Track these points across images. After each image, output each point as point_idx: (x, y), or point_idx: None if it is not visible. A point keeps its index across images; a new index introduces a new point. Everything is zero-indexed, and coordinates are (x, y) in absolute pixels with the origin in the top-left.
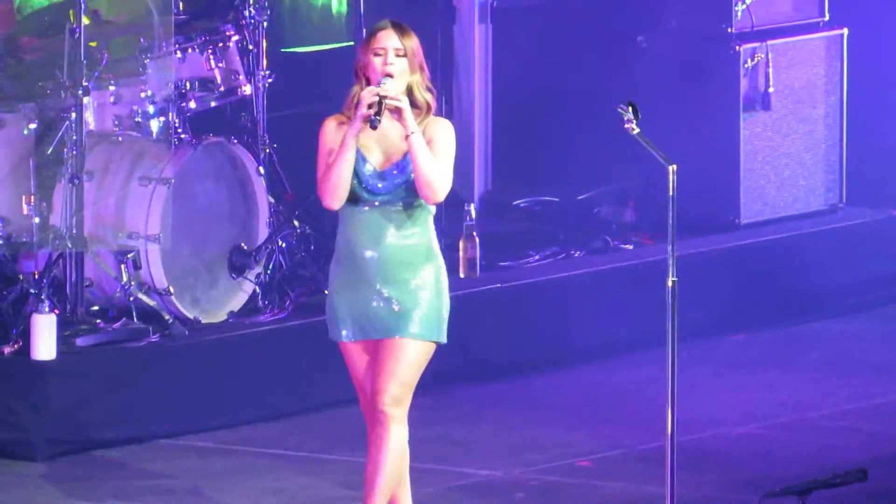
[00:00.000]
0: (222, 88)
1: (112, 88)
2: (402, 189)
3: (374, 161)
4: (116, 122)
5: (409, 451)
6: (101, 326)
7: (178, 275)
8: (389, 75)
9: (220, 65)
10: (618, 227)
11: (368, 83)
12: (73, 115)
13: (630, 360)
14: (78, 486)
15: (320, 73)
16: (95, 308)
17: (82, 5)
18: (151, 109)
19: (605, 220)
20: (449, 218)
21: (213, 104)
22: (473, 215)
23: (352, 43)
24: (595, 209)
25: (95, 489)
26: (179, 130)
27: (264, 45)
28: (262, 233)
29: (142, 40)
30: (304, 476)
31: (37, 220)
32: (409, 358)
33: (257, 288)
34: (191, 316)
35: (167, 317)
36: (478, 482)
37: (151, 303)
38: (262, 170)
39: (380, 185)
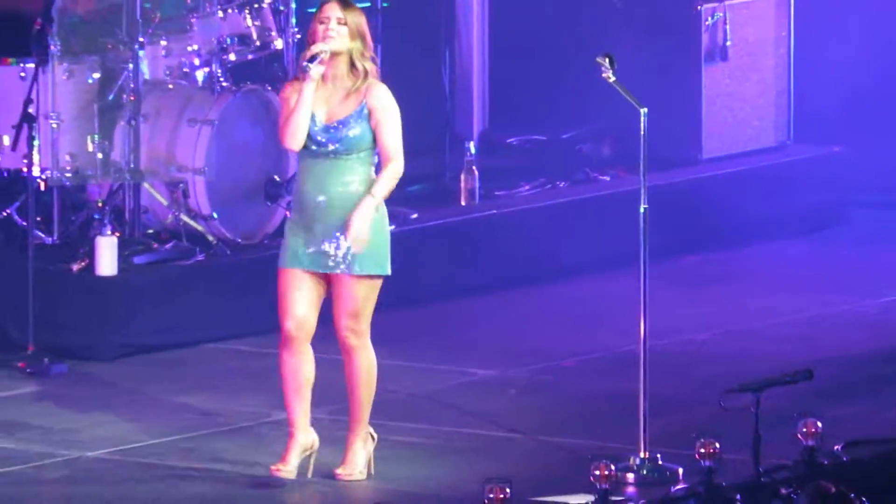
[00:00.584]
0: (258, 43)
1: (164, 43)
2: (343, 142)
3: (320, 117)
4: (167, 72)
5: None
6: (154, 247)
7: (221, 202)
8: (330, 38)
9: (255, 23)
10: (597, 161)
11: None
12: (131, 66)
13: (607, 276)
14: (136, 382)
15: None
16: (150, 231)
17: None
18: (197, 61)
19: (586, 156)
20: (452, 153)
21: (249, 57)
22: (473, 151)
23: (368, 4)
24: (577, 146)
25: (151, 385)
26: (221, 79)
27: (293, 5)
28: (292, 166)
29: (189, 1)
30: (327, 372)
31: (100, 155)
32: (355, 292)
33: (287, 213)
34: (231, 238)
35: (211, 238)
36: (476, 380)
37: (198, 227)
38: None
39: (323, 139)
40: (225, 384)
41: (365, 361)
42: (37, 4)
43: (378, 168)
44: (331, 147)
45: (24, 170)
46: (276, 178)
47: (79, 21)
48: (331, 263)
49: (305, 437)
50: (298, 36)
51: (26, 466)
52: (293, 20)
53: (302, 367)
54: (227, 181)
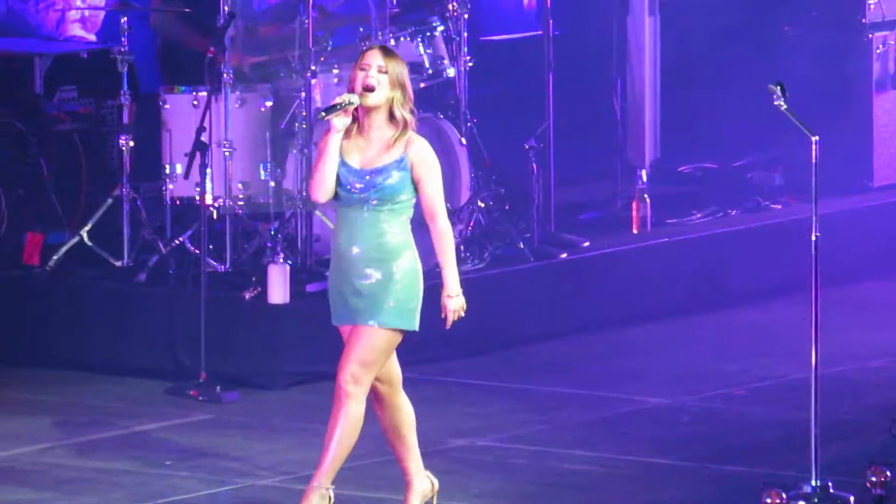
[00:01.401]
0: (430, 71)
1: (336, 71)
2: (379, 191)
3: (354, 164)
4: None
5: (413, 415)
6: (326, 275)
7: None
8: (370, 88)
9: (427, 51)
10: (768, 189)
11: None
12: (303, 94)
13: (778, 303)
14: (309, 410)
15: (513, 58)
16: (322, 259)
17: (310, 1)
18: None
19: (757, 184)
20: (623, 181)
21: (422, 85)
22: (644, 179)
23: (539, 32)
24: (748, 174)
25: (320, 413)
26: None
27: (465, 34)
28: (465, 195)
29: (361, 30)
30: (497, 402)
31: (272, 184)
32: (371, 343)
33: (460, 242)
34: None
35: None
36: (647, 408)
37: None
38: (464, 140)
39: (359, 186)
40: None
41: (354, 413)
42: (210, 33)
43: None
44: (365, 195)
45: (197, 198)
46: (448, 205)
47: (253, 50)
48: (360, 316)
49: (422, 483)
50: (471, 64)
51: (199, 495)
52: (465, 48)
53: (389, 416)
54: None
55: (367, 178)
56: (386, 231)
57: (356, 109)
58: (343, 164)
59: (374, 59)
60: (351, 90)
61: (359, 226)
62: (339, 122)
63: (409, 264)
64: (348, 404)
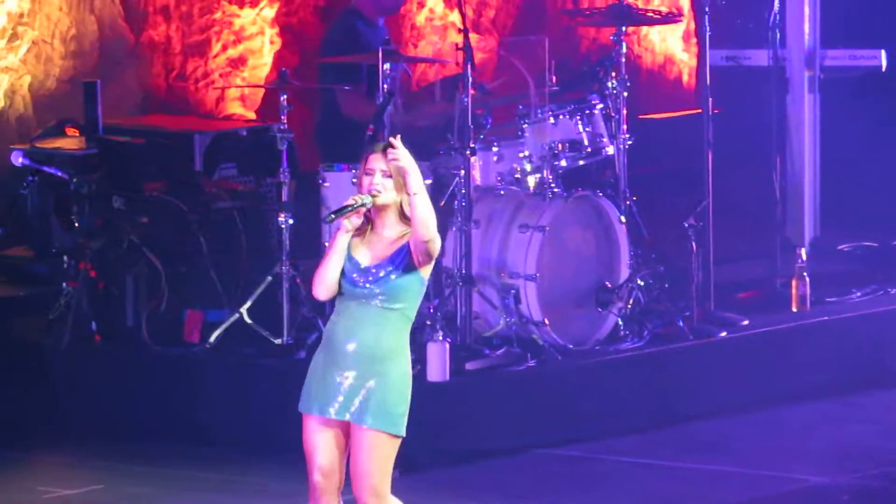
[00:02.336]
0: (589, 149)
1: (495, 149)
2: (383, 288)
3: (362, 260)
4: (499, 178)
5: None
6: (486, 353)
7: (552, 308)
8: (374, 195)
9: (587, 129)
10: None
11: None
12: (462, 171)
13: None
14: (468, 488)
15: (672, 136)
16: (483, 336)
17: (469, 78)
18: (529, 167)
19: None
20: (783, 259)
21: (581, 163)
22: (804, 257)
23: (699, 110)
24: None
25: (483, 492)
26: (553, 185)
27: (624, 112)
28: (624, 273)
29: (520, 107)
30: (656, 481)
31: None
32: (376, 451)
33: (619, 320)
34: (562, 343)
35: (542, 344)
36: (807, 487)
37: (530, 334)
38: (623, 219)
39: (362, 282)
40: (555, 490)
41: None
42: (369, 110)
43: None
44: (369, 290)
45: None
46: (608, 283)
47: (411, 127)
48: (352, 413)
49: None
50: (630, 142)
51: None
52: (624, 126)
53: None
54: (558, 287)
55: (373, 272)
56: (385, 330)
57: (368, 210)
58: (350, 259)
59: (378, 163)
60: (360, 192)
61: (359, 320)
62: (350, 222)
63: (403, 368)
64: None
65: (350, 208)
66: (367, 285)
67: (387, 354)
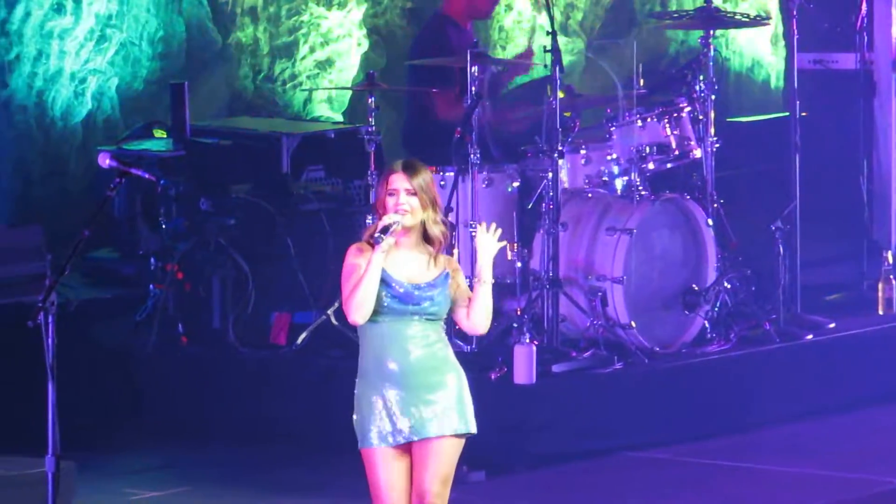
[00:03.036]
0: (677, 152)
1: (583, 152)
2: (432, 305)
3: (400, 279)
4: (586, 181)
5: None
6: (573, 355)
7: (639, 311)
8: (403, 212)
9: (674, 132)
10: None
11: None
12: (550, 174)
13: None
14: (553, 491)
15: (760, 139)
16: (569, 338)
17: (558, 81)
18: (616, 170)
19: None
20: (869, 262)
21: (668, 166)
22: (891, 260)
23: (787, 114)
24: None
25: (570, 494)
26: (640, 188)
27: (712, 115)
28: (711, 276)
29: (608, 111)
30: (743, 484)
31: (518, 264)
32: (449, 456)
33: (706, 323)
34: (649, 346)
35: (630, 347)
36: (894, 489)
37: (618, 336)
38: (710, 222)
39: (411, 298)
40: (643, 493)
41: None
42: (457, 113)
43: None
44: (418, 309)
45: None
46: (695, 286)
47: (500, 130)
48: (428, 429)
49: None
50: (717, 145)
51: None
52: (712, 129)
53: None
54: (646, 290)
55: (418, 293)
56: (437, 341)
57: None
58: (391, 279)
59: (401, 182)
60: (377, 209)
61: (408, 337)
62: (387, 243)
63: (459, 369)
64: None
65: (391, 229)
66: (417, 301)
67: (446, 362)
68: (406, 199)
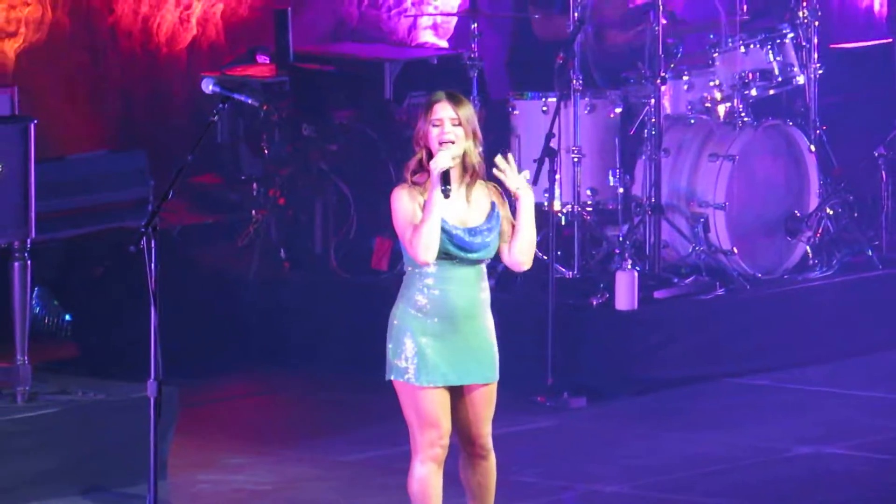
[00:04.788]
0: (779, 79)
1: (685, 78)
2: (485, 248)
3: (454, 222)
4: (689, 107)
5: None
6: (674, 281)
7: (741, 237)
8: (450, 142)
9: (777, 58)
10: None
11: (429, 151)
12: (653, 100)
13: None
14: (654, 417)
15: (863, 66)
16: (671, 265)
17: (661, 7)
18: (719, 96)
19: None
20: None
21: (771, 92)
22: None
23: (889, 40)
24: None
25: (669, 419)
26: (743, 114)
27: (815, 41)
28: (813, 202)
29: (711, 37)
30: (843, 410)
31: (620, 190)
32: (493, 399)
33: (808, 249)
34: (751, 272)
35: (732, 273)
36: None
37: (720, 262)
38: (813, 148)
39: (470, 243)
40: (742, 419)
41: (495, 461)
42: (555, 33)
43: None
44: (476, 254)
45: (546, 204)
46: (797, 212)
47: (603, 56)
48: (476, 373)
49: None
50: (821, 71)
51: (544, 501)
52: (815, 55)
53: (441, 486)
54: (748, 216)
55: (478, 235)
56: (483, 287)
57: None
58: (445, 224)
59: (446, 112)
60: (417, 142)
61: (467, 283)
62: (448, 188)
63: (491, 318)
64: (491, 459)
65: (448, 174)
66: (475, 247)
67: (486, 307)
68: (451, 129)
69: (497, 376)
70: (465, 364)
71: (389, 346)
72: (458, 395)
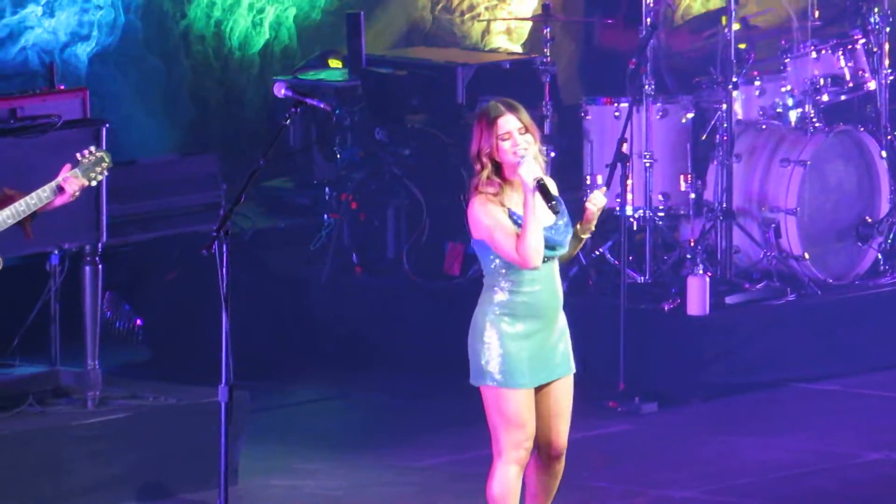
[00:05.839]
0: (851, 84)
1: (757, 83)
2: (566, 239)
3: (546, 219)
4: (761, 112)
5: None
6: (746, 287)
7: (812, 242)
8: (523, 155)
9: (849, 64)
10: None
11: (497, 168)
12: (724, 106)
13: None
14: (726, 422)
15: None
16: (741, 269)
17: (733, 12)
18: (790, 101)
19: None
20: None
21: (842, 98)
22: None
23: None
24: None
25: (740, 424)
26: (814, 119)
27: (887, 47)
28: (884, 207)
29: (783, 42)
30: None
31: (692, 195)
32: (571, 392)
33: (879, 255)
34: (822, 278)
35: (803, 278)
36: None
37: (792, 267)
38: (884, 154)
39: (555, 239)
40: (815, 424)
41: (563, 466)
42: (632, 43)
43: None
44: (559, 250)
45: (617, 209)
46: (868, 218)
47: (676, 60)
48: (559, 369)
49: None
50: (892, 77)
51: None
52: (886, 61)
53: (519, 491)
54: (819, 221)
55: (560, 230)
56: (559, 281)
57: (496, 175)
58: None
59: (511, 123)
60: (481, 159)
61: (549, 279)
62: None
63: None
64: (562, 462)
65: (541, 181)
66: (558, 245)
67: (562, 302)
68: (522, 139)
69: (573, 368)
70: (552, 360)
71: (478, 348)
72: (540, 393)
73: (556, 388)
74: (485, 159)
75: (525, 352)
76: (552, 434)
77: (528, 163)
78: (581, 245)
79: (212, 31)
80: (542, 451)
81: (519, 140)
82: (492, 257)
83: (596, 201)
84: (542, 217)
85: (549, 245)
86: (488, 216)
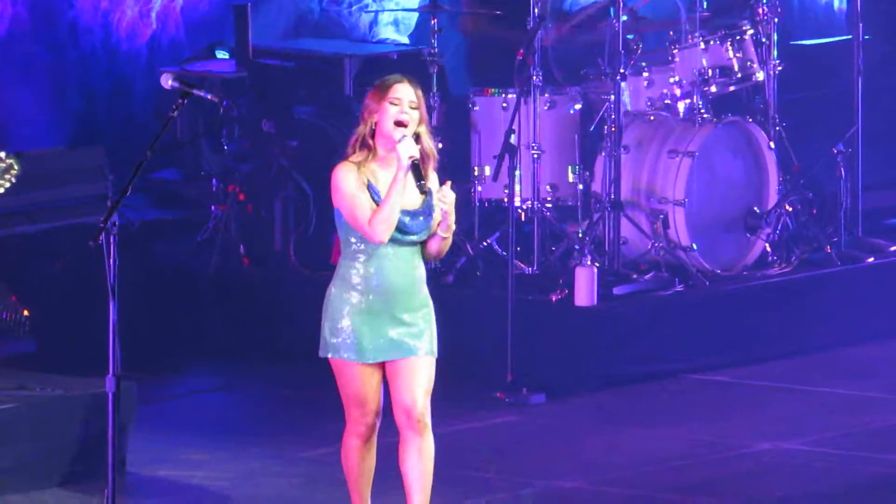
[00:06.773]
0: (739, 75)
1: (645, 75)
2: (427, 231)
3: (406, 204)
4: (649, 104)
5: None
6: (634, 278)
7: (700, 233)
8: (403, 124)
9: (737, 55)
10: None
11: (374, 127)
12: (612, 97)
13: None
14: (614, 413)
15: (823, 63)
16: (629, 260)
17: (622, 4)
18: (678, 92)
19: None
20: None
21: (731, 88)
22: None
23: (849, 37)
24: None
25: (629, 415)
26: (702, 111)
27: (775, 37)
28: (772, 198)
29: (671, 33)
30: (803, 406)
31: (580, 186)
32: (431, 373)
33: (767, 245)
34: (710, 269)
35: (691, 269)
36: None
37: (678, 258)
38: (772, 144)
39: (411, 225)
40: (701, 415)
41: (432, 443)
42: (520, 35)
43: None
44: (417, 236)
45: (505, 200)
46: (756, 209)
47: (563, 52)
48: (412, 347)
49: None
50: (780, 68)
51: (503, 496)
52: (775, 52)
53: (373, 460)
54: (707, 212)
55: (420, 218)
56: (418, 265)
57: (372, 139)
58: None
59: (406, 92)
60: (364, 118)
61: (407, 262)
62: (422, 186)
63: (429, 297)
64: (428, 437)
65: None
66: (415, 230)
67: (422, 286)
68: (409, 111)
69: (435, 352)
70: (400, 340)
71: (326, 324)
72: (394, 369)
73: (407, 366)
74: (367, 118)
75: (367, 326)
76: (408, 405)
77: (408, 141)
78: (448, 245)
79: (99, 21)
80: (405, 427)
81: (407, 110)
82: (346, 229)
83: (446, 199)
84: (408, 200)
85: (402, 229)
86: (348, 182)
